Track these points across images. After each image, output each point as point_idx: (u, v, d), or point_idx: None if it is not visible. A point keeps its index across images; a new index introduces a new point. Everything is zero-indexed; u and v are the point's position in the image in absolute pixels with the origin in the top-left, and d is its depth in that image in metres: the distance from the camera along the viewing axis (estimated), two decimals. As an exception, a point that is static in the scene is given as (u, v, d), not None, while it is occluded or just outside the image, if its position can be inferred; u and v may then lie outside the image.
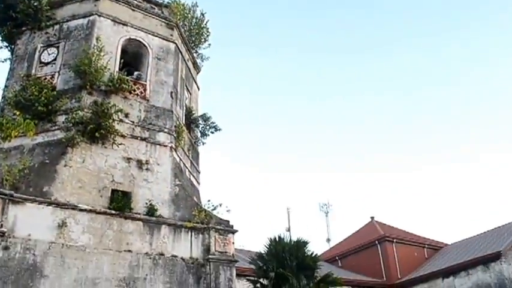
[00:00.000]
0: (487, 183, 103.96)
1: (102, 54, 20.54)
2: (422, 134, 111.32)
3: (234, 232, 20.96)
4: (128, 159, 20.01)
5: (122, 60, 22.05)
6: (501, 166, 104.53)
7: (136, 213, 19.02)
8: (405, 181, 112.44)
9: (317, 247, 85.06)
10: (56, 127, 19.40)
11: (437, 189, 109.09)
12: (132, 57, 23.12)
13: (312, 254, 22.50)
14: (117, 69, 21.60)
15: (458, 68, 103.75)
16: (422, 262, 43.25)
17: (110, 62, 21.08)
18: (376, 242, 43.30)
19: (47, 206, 17.21)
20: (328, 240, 63.59)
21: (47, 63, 21.62)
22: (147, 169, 20.31)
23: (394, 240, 43.22)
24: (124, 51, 22.54)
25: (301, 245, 22.33)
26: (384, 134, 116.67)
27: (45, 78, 20.99)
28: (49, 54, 21.81)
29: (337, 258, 45.89)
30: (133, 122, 20.91)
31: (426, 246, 45.49)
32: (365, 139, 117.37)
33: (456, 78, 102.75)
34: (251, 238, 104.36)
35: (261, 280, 21.98)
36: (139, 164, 20.21)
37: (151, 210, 19.33)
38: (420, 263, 43.01)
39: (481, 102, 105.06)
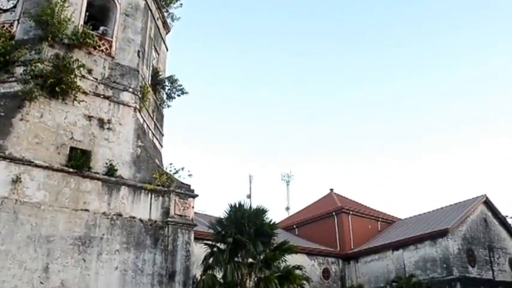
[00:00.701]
0: (441, 163, 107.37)
1: (66, 5, 19.50)
2: (383, 113, 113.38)
3: (194, 196, 20.91)
4: (89, 117, 19.45)
5: (88, 14, 21.05)
6: (452, 146, 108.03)
7: (95, 173, 18.64)
8: (366, 157, 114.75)
9: (276, 215, 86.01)
10: (13, 79, 18.50)
11: (397, 167, 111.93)
12: (99, 11, 22.13)
13: (270, 221, 22.74)
14: (81, 22, 20.62)
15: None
16: (375, 235, 44.66)
17: (75, 15, 20.10)
18: (333, 213, 44.32)
19: (1, 160, 16.61)
20: (288, 208, 64.72)
21: (5, 10, 20.42)
22: (108, 128, 19.83)
23: (350, 213, 44.36)
24: (90, 4, 21.44)
25: (260, 212, 22.52)
26: (351, 109, 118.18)
27: (3, 26, 19.83)
28: (8, 1, 20.63)
29: (294, 226, 46.85)
30: (96, 79, 20.20)
31: (380, 219, 46.93)
32: (332, 114, 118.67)
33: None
34: (212, 203, 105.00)
35: (219, 245, 22.12)
36: (101, 122, 19.70)
37: (111, 171, 19.00)
38: (373, 235, 44.41)
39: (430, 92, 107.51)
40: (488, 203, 41.80)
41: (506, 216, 41.82)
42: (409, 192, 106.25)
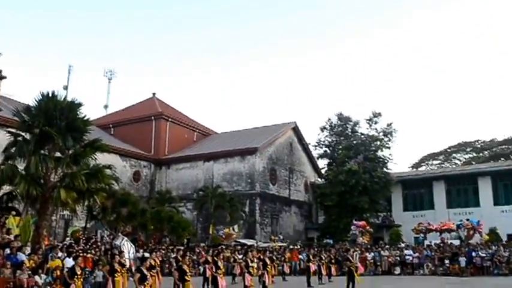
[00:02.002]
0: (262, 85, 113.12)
1: None
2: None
3: (1, 78, 18.69)
4: None
5: None
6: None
7: None
8: (193, 68, 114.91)
9: (93, 112, 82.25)
10: None
11: (221, 82, 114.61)
12: None
13: (84, 117, 21.45)
14: None
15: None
16: (191, 144, 45.88)
17: None
18: (152, 117, 44.07)
19: None
20: (106, 107, 62.31)
21: None
22: None
23: (169, 120, 44.60)
24: None
25: (74, 106, 21.04)
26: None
27: None
28: None
29: (111, 126, 45.55)
30: None
31: (197, 130, 48.19)
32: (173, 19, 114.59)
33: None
34: (23, 89, 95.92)
35: (24, 134, 20.36)
36: None
37: None
38: (188, 145, 45.57)
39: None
40: (296, 130, 45.68)
41: (309, 143, 46.31)
42: (227, 108, 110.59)
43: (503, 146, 60.79)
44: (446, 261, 26.99)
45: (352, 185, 38.36)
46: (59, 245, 20.05)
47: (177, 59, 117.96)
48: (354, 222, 34.16)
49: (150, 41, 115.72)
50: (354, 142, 41.78)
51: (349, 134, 43.80)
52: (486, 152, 62.01)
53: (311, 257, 23.52)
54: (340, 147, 42.25)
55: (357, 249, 28.30)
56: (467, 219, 32.09)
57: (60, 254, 17.28)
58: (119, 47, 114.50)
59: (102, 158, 23.36)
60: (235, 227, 34.84)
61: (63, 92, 27.97)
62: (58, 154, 20.39)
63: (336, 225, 38.82)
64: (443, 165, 62.10)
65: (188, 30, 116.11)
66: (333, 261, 24.80)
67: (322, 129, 44.80)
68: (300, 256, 28.48)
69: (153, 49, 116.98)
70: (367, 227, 33.74)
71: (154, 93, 50.66)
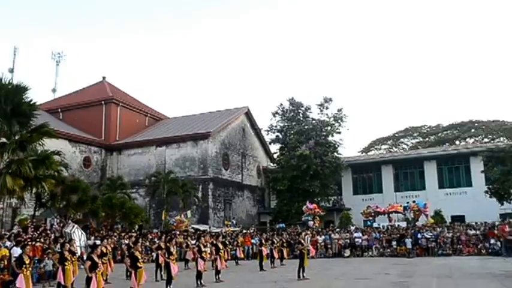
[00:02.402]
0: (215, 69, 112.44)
1: None
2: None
3: None
4: None
5: None
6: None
7: None
8: (144, 49, 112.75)
9: (40, 96, 79.74)
10: None
11: (173, 65, 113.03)
12: None
13: (30, 101, 20.86)
14: None
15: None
16: (142, 129, 45.21)
17: None
18: (103, 102, 43.04)
19: None
20: (54, 90, 60.37)
21: None
22: None
23: (120, 104, 43.71)
24: None
25: (20, 89, 20.39)
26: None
27: None
28: None
29: (59, 110, 44.12)
30: None
31: (149, 115, 47.52)
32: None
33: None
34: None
35: (-36, 119, 19.60)
36: None
37: None
38: (140, 130, 44.88)
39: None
40: (248, 114, 45.86)
41: (261, 128, 46.60)
42: (180, 93, 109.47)
43: (448, 131, 63.26)
44: (394, 243, 27.94)
45: (304, 169, 38.93)
46: (6, 234, 19.54)
47: (128, 42, 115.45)
48: (307, 204, 34.74)
49: (99, 24, 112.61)
50: (306, 127, 42.30)
51: (301, 119, 44.27)
52: (432, 137, 64.34)
53: (263, 241, 23.86)
54: (292, 132, 42.70)
55: (309, 232, 28.88)
56: (414, 201, 33.23)
57: (8, 243, 16.87)
58: (66, 29, 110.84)
59: (50, 144, 22.80)
60: (188, 212, 34.81)
61: (9, 75, 27.02)
62: (3, 140, 19.77)
63: (288, 209, 39.42)
64: (391, 150, 64.00)
65: (140, 11, 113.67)
66: (284, 244, 25.19)
67: (274, 114, 45.10)
68: (253, 240, 28.80)
69: (102, 32, 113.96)
70: (318, 210, 34.39)
71: (104, 77, 49.50)
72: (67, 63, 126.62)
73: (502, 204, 30.67)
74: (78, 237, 21.58)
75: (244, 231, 33.03)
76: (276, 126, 45.07)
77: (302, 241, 18.39)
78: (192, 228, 33.12)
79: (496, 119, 60.61)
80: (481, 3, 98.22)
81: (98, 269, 11.56)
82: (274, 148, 47.33)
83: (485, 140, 56.94)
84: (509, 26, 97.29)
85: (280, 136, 44.61)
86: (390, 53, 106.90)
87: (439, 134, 63.80)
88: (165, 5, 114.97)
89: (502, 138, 54.63)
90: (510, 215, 31.92)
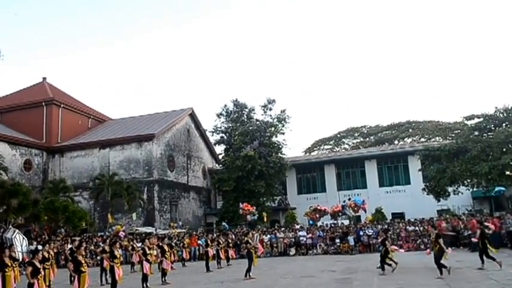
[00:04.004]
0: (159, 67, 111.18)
1: None
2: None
3: None
4: None
5: None
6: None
7: None
8: (86, 50, 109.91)
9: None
10: None
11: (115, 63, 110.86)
12: None
13: (-34, 103, 20.21)
14: None
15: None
16: (85, 131, 44.30)
17: None
18: (43, 103, 41.82)
19: None
20: (-12, 91, 57.94)
21: None
22: None
23: (62, 105, 42.63)
24: None
25: (-46, 91, 19.73)
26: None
27: None
28: None
29: (-3, 112, 42.51)
30: None
31: (91, 116, 46.58)
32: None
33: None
34: None
35: None
36: None
37: None
38: (82, 132, 43.96)
39: None
40: (193, 116, 45.85)
41: (206, 130, 46.65)
42: (123, 94, 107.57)
43: (387, 132, 65.44)
44: (337, 241, 28.75)
45: (249, 170, 39.29)
46: None
47: (69, 42, 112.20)
48: (240, 205, 35.36)
49: (39, 24, 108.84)
50: (250, 128, 42.64)
51: (245, 120, 44.62)
52: (372, 137, 66.34)
53: (209, 242, 24.03)
54: (237, 133, 42.93)
55: (255, 232, 29.25)
56: (349, 199, 34.18)
57: None
58: (4, 27, 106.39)
59: (-12, 147, 22.07)
60: (134, 214, 34.51)
61: None
62: None
63: (234, 209, 39.59)
64: (334, 150, 65.46)
65: (81, 9, 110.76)
66: (230, 245, 25.47)
67: (219, 115, 45.24)
68: (199, 241, 28.91)
69: (42, 32, 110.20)
70: (250, 209, 34.78)
71: (44, 78, 48.04)
72: (5, 62, 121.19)
73: (439, 200, 31.84)
74: (20, 243, 21.02)
75: (190, 232, 33.02)
76: (220, 128, 45.20)
77: (250, 240, 18.70)
78: (130, 232, 32.63)
79: (432, 119, 63.23)
80: (416, 4, 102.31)
81: (40, 275, 11.45)
82: (219, 149, 47.63)
83: (422, 139, 59.10)
84: (442, 26, 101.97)
85: (225, 137, 44.77)
86: (332, 54, 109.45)
87: (379, 134, 65.80)
88: (108, 2, 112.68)
89: (437, 138, 56.79)
90: (446, 211, 33.45)
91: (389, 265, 16.11)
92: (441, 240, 14.56)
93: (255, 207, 35.35)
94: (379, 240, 18.09)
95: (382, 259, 16.16)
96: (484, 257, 15.73)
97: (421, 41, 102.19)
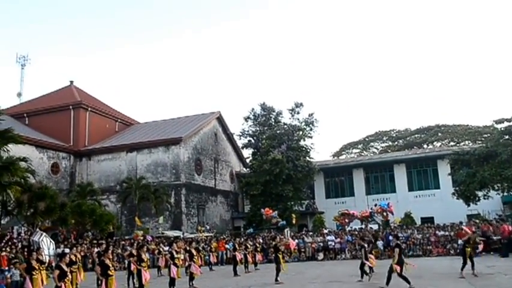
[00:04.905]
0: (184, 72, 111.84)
1: None
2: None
3: None
4: None
5: None
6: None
7: None
8: (114, 55, 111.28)
9: (4, 100, 77.71)
10: None
11: (145, 69, 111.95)
12: None
13: (-6, 105, 20.25)
14: None
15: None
16: (112, 134, 44.46)
17: None
18: (71, 107, 42.11)
19: None
20: (20, 95, 58.96)
21: None
22: None
23: (89, 109, 42.87)
24: None
25: (-16, 94, 19.83)
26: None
27: None
28: None
29: (25, 115, 43.00)
30: None
31: (118, 120, 46.77)
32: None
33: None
34: None
35: None
36: None
37: None
38: (109, 135, 44.12)
39: None
40: (220, 119, 45.66)
41: (234, 133, 46.46)
42: (151, 98, 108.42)
43: (416, 135, 64.25)
44: (366, 245, 28.05)
45: (276, 173, 38.89)
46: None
47: (96, 46, 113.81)
48: (262, 210, 34.98)
49: (66, 27, 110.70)
50: (277, 132, 42.31)
51: (273, 124, 44.37)
52: (401, 141, 65.25)
53: (237, 246, 23.66)
54: (264, 137, 42.67)
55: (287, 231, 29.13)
56: (375, 205, 33.46)
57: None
58: (32, 32, 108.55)
59: (16, 150, 22.16)
60: (161, 218, 34.39)
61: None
62: (-34, 146, 19.08)
63: (262, 213, 39.30)
64: (362, 154, 64.60)
65: (108, 14, 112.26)
66: (258, 249, 25.09)
67: (246, 119, 45.06)
68: (227, 246, 28.57)
69: (69, 36, 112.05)
70: (270, 213, 34.34)
71: (72, 81, 48.52)
72: (33, 67, 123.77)
73: (469, 205, 31.19)
74: (47, 246, 20.98)
75: (218, 236, 32.74)
76: (248, 131, 45.01)
77: (281, 237, 18.12)
78: (157, 236, 32.51)
79: (461, 123, 61.91)
80: (448, 5, 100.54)
81: (67, 278, 11.21)
82: (247, 153, 47.29)
83: (451, 143, 58.00)
84: (476, 31, 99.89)
85: (253, 141, 44.51)
86: (361, 57, 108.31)
87: (408, 138, 64.74)
88: (136, 6, 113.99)
89: (466, 142, 55.75)
90: (476, 216, 32.57)
91: (366, 273, 15.69)
92: (397, 250, 13.84)
93: (276, 211, 34.87)
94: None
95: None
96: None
97: (453, 44, 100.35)
